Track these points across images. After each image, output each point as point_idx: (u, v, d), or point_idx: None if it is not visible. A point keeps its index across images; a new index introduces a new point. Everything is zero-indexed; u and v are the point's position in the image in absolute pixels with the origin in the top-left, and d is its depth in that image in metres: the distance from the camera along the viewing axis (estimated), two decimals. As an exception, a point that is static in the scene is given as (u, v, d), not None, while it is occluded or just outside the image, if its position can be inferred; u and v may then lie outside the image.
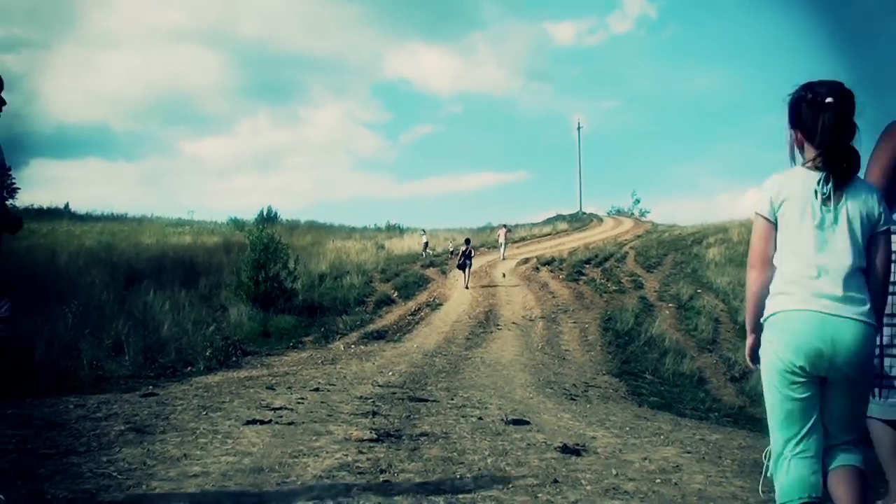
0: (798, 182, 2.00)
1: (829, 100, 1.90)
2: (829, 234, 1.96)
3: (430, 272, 21.60)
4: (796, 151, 2.01)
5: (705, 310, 14.66)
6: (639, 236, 32.57)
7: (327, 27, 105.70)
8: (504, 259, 25.80)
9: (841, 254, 1.94)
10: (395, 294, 17.52)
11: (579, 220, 45.44)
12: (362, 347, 10.91)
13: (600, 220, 46.01)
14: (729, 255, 21.19)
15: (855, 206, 1.97)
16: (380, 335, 12.16)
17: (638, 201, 62.25)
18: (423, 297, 17.18)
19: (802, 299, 1.93)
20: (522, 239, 33.92)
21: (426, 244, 27.08)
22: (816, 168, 1.98)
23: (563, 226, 40.91)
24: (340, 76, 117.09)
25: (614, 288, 17.71)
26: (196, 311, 12.84)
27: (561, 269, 20.94)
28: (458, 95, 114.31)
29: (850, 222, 1.95)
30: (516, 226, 44.20)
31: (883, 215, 1.96)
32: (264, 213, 39.20)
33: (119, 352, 8.00)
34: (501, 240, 26.69)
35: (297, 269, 17.15)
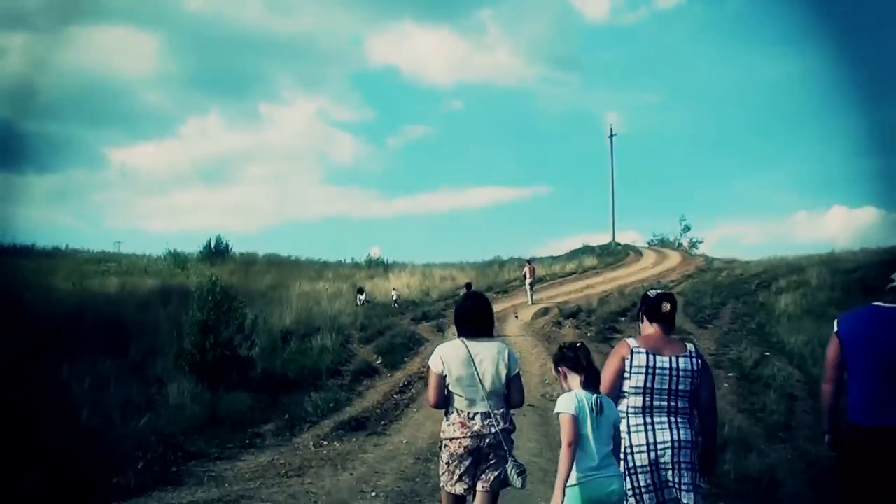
0: None
1: None
2: None
3: (423, 329, 21.80)
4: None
5: (776, 381, 14.25)
6: (688, 276, 32.96)
7: (295, 3, 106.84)
8: (532, 303, 25.96)
9: None
10: (379, 361, 17.56)
11: (612, 254, 45.87)
12: (337, 445, 10.82)
13: (639, 253, 46.45)
14: (806, 304, 21.32)
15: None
16: (359, 424, 12.06)
17: (687, 228, 62.88)
18: (413, 365, 17.15)
19: None
20: (541, 280, 34.03)
21: (361, 290, 27.67)
22: None
23: (591, 261, 41.39)
24: (311, 65, 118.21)
25: None
26: (125, 388, 12.77)
27: (589, 325, 21.09)
28: (460, 88, 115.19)
29: None
30: (532, 260, 44.58)
31: None
32: (212, 246, 39.39)
33: (19, 460, 7.46)
34: (529, 279, 26.88)
35: (254, 330, 17.16)
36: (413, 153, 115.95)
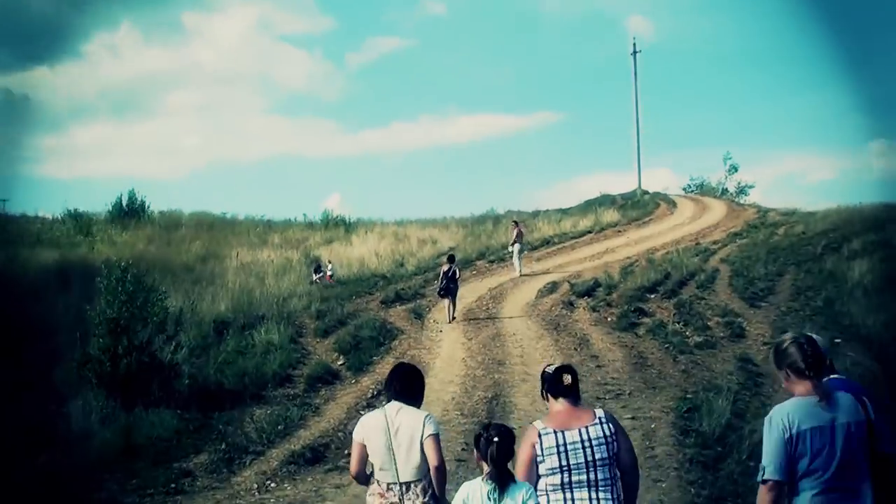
0: None
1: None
2: None
3: (397, 316, 21.82)
4: None
5: (850, 378, 14.62)
6: (736, 235, 33.16)
7: None
8: (521, 275, 26.19)
9: None
10: (341, 362, 17.55)
11: (638, 206, 45.77)
12: (288, 488, 10.72)
13: (672, 203, 46.42)
14: (888, 272, 21.16)
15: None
16: (316, 455, 11.96)
17: (734, 169, 62.22)
18: (385, 366, 17.09)
19: None
20: (546, 242, 34.03)
21: (318, 267, 28.18)
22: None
23: (611, 215, 41.42)
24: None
25: (698, 340, 17.76)
26: (14, 407, 12.62)
27: (609, 306, 21.17)
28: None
29: None
30: (535, 215, 44.34)
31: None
32: (123, 203, 39.01)
33: None
34: (515, 246, 26.93)
35: (180, 324, 17.08)
36: (382, 73, 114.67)
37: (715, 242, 31.10)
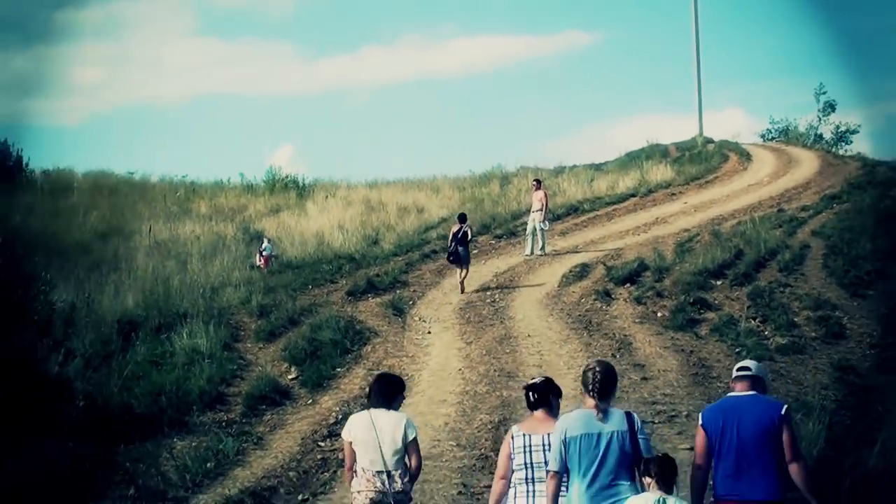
0: None
1: None
2: None
3: (369, 311, 21.80)
4: None
5: None
6: (833, 199, 32.74)
7: None
8: (543, 254, 26.41)
9: None
10: (293, 376, 17.48)
11: (699, 160, 45.54)
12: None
13: (745, 156, 46.05)
14: None
15: None
16: (259, 503, 11.92)
17: (830, 108, 61.30)
18: (353, 379, 17.13)
19: None
20: (573, 210, 33.93)
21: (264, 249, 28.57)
22: None
23: (661, 172, 41.30)
24: None
25: (781, 342, 17.82)
26: None
27: (659, 296, 21.10)
28: None
29: None
30: (558, 172, 44.45)
31: None
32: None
33: None
34: (536, 218, 27.01)
35: (72, 326, 17.03)
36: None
37: (804, 209, 31.30)
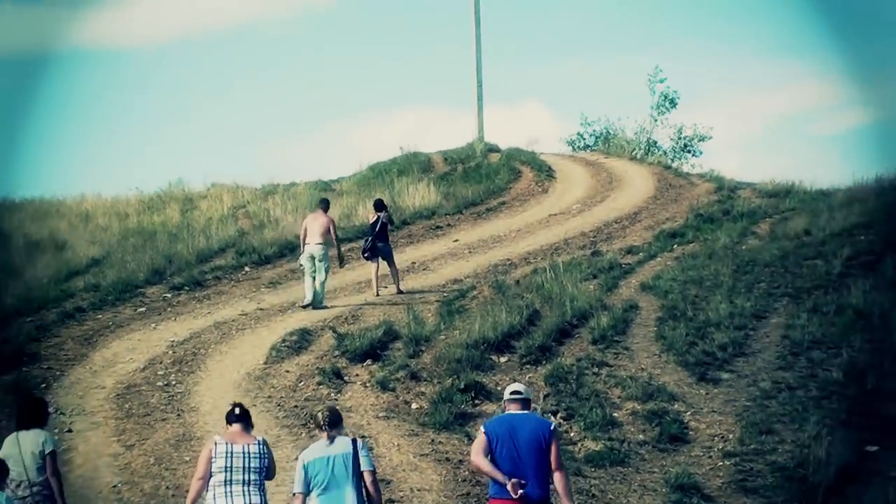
0: None
1: None
2: None
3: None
4: None
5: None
6: (673, 235, 33.30)
7: None
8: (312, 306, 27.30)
9: None
10: None
11: (476, 177, 45.53)
12: None
13: (545, 171, 44.54)
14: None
15: None
16: None
17: (670, 104, 59.39)
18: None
19: None
20: (291, 249, 33.37)
21: None
22: None
23: (421, 195, 40.18)
24: None
25: (594, 448, 18.81)
26: None
27: (415, 380, 21.87)
28: None
29: None
30: (267, 193, 44.23)
31: None
32: None
33: None
34: (314, 251, 27.70)
35: None
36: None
37: (631, 251, 31.44)
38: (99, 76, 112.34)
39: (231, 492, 12.44)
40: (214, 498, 12.23)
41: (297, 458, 12.90)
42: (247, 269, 32.58)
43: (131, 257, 33.00)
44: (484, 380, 20.94)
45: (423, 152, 50.52)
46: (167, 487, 17.43)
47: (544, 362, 21.67)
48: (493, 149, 50.39)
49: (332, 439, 12.37)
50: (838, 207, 33.25)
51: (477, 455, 12.27)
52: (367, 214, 26.80)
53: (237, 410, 13.16)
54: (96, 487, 17.88)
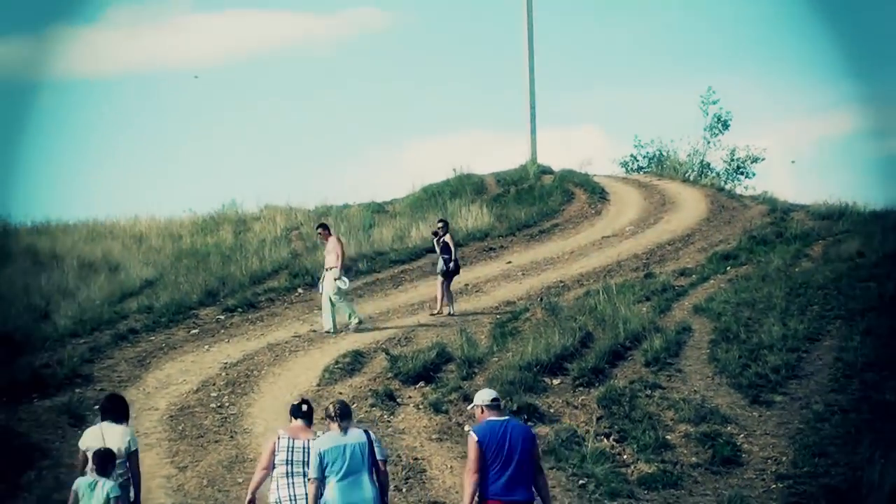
0: None
1: None
2: None
3: (32, 419, 21.51)
4: None
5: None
6: (726, 258, 33.41)
7: None
8: (359, 323, 27.83)
9: None
10: None
11: (529, 198, 45.32)
12: None
13: (599, 193, 44.45)
14: None
15: None
16: None
17: (723, 125, 56.36)
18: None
19: None
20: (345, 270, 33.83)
21: None
22: None
23: (474, 217, 40.06)
24: None
25: (647, 470, 18.82)
26: None
27: (468, 402, 19.98)
28: None
29: None
30: (323, 212, 44.33)
31: None
32: None
33: None
34: (330, 277, 27.66)
35: None
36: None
37: (684, 273, 31.51)
38: (154, 99, 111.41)
39: (293, 483, 13.55)
40: (278, 488, 13.45)
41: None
42: (300, 290, 32.01)
43: (184, 279, 32.61)
44: (537, 402, 20.87)
45: (475, 174, 50.06)
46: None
47: (597, 384, 21.62)
48: (545, 170, 49.72)
49: (345, 430, 13.12)
50: (892, 229, 33.26)
51: (470, 475, 12.95)
52: (444, 236, 28.16)
53: (304, 407, 13.94)
54: (150, 510, 16.46)
